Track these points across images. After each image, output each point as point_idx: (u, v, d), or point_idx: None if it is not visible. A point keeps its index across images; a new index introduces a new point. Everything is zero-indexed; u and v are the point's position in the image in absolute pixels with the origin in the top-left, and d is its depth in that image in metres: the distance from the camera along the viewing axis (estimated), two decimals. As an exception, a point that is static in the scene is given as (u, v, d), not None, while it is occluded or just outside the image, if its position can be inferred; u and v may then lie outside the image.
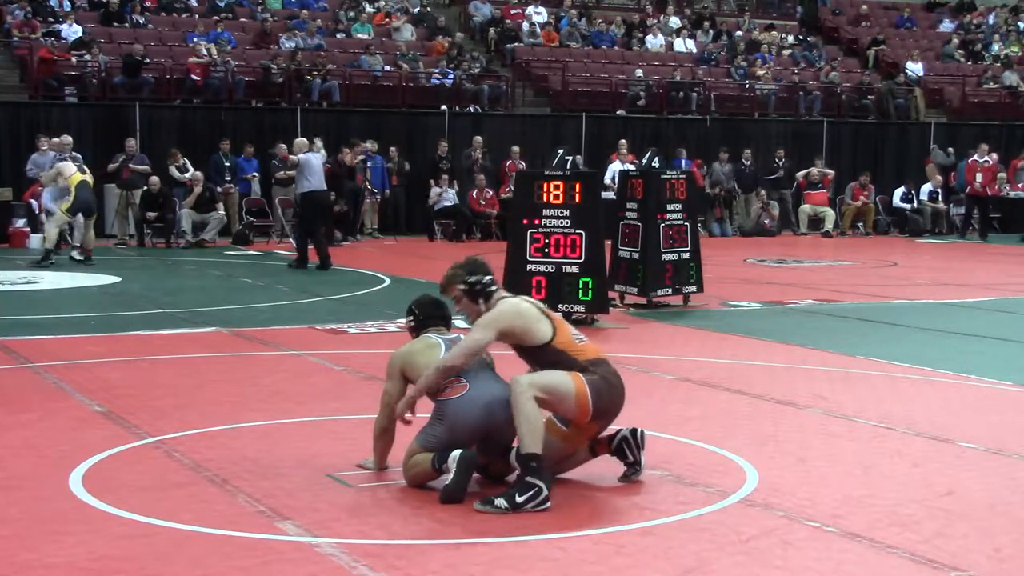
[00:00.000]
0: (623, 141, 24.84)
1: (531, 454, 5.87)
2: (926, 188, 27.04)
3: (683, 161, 25.49)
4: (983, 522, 5.78)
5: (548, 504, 5.82)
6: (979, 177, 25.14)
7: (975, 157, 25.51)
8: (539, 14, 30.20)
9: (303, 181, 17.78)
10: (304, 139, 19.73)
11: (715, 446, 7.19)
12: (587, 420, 6.14)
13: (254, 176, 23.16)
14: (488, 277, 6.37)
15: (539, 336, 6.15)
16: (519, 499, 5.77)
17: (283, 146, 21.67)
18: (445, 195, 23.39)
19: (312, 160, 17.96)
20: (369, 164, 23.32)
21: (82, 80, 23.73)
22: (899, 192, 27.00)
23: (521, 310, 6.22)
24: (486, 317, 6.21)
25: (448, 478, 5.95)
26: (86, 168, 18.23)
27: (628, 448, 6.35)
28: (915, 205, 26.92)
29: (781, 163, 26.54)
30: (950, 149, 27.99)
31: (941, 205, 27.10)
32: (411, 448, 6.25)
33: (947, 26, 35.22)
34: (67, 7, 26.11)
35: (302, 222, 18.44)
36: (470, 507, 5.89)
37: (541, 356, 6.19)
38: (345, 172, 22.07)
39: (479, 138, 24.47)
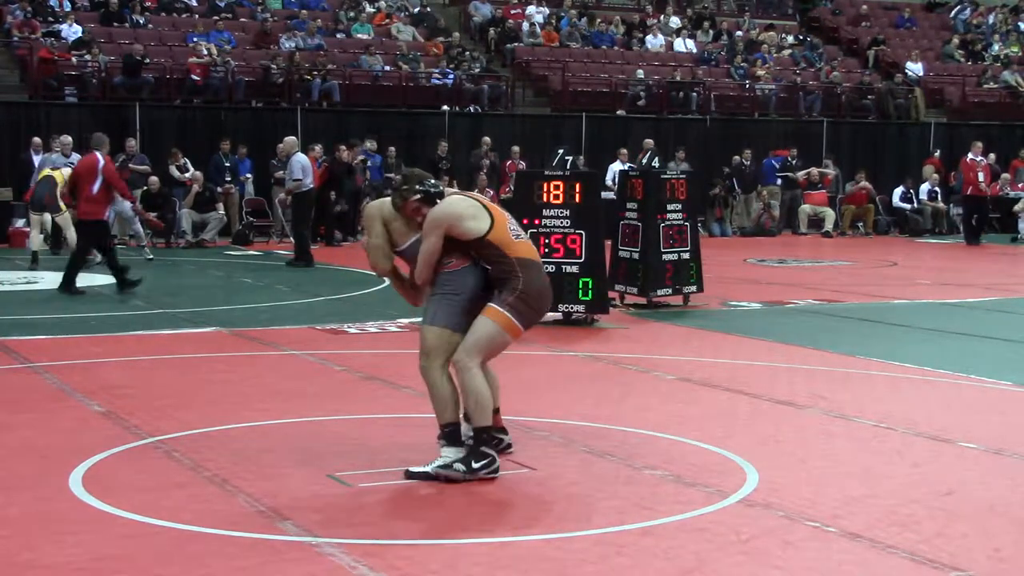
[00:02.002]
0: (649, 140, 24.27)
1: (482, 427, 6.38)
2: (925, 187, 27.01)
3: (773, 161, 25.96)
4: (983, 522, 5.78)
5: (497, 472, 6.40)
6: (981, 176, 24.37)
7: (972, 156, 24.78)
8: (539, 14, 30.21)
9: (306, 180, 18.09)
10: (293, 138, 19.77)
11: (715, 446, 7.19)
12: (522, 332, 6.51)
13: (247, 177, 23.13)
14: (433, 180, 6.56)
15: (473, 231, 6.36)
16: (475, 465, 6.31)
17: (291, 139, 21.60)
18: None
19: (305, 159, 18.25)
20: (368, 163, 23.31)
21: (82, 80, 23.73)
22: (899, 191, 27.02)
23: (455, 208, 6.41)
24: (427, 223, 6.40)
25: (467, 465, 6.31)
26: (61, 165, 17.78)
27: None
28: (915, 205, 26.93)
29: (793, 162, 26.48)
30: (827, 162, 27.36)
31: (940, 204, 27.09)
32: (437, 334, 6.42)
33: (959, 21, 35.11)
34: (67, 7, 26.10)
35: (299, 220, 18.59)
36: (470, 507, 5.90)
37: (477, 248, 6.42)
38: (344, 170, 22.07)
39: (488, 139, 24.48)
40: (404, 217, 6.50)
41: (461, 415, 6.53)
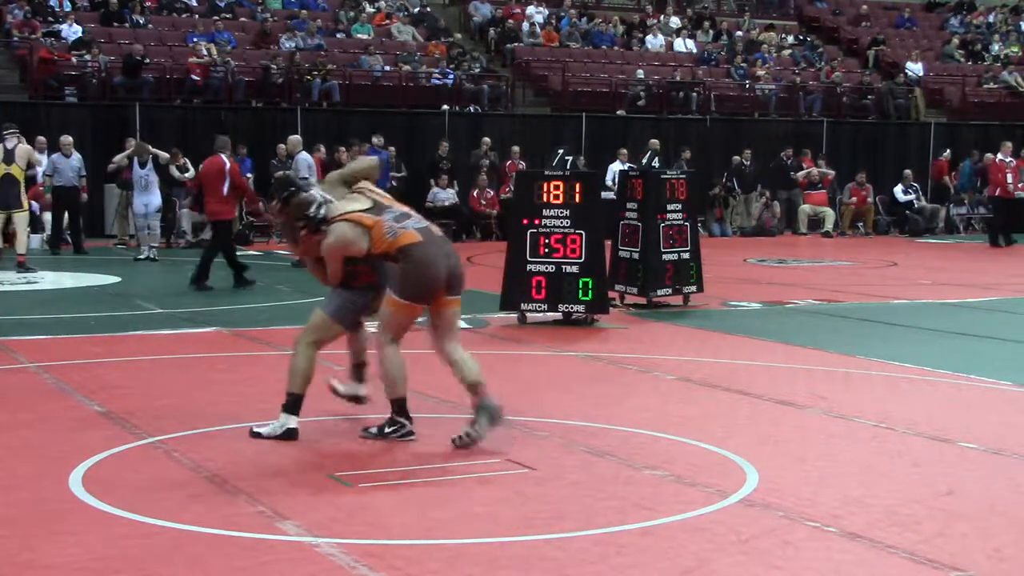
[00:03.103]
0: (654, 141, 23.87)
1: (394, 399, 7.09)
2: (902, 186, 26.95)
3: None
4: (983, 522, 5.78)
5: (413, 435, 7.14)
6: (1010, 177, 23.57)
7: (1000, 156, 24.10)
8: (539, 14, 30.21)
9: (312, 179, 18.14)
10: (297, 136, 19.75)
11: (715, 446, 7.19)
12: (420, 307, 7.06)
13: (247, 177, 23.07)
14: (315, 208, 7.02)
15: (360, 252, 7.04)
16: (387, 430, 7.14)
17: (295, 137, 21.50)
18: (440, 195, 23.34)
19: (310, 158, 18.32)
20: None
21: (82, 80, 23.74)
22: (899, 187, 27.03)
23: (341, 239, 7.01)
24: (325, 251, 7.10)
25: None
26: (14, 157, 17.28)
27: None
28: (915, 203, 26.92)
29: (788, 162, 26.48)
30: (820, 162, 27.15)
31: (925, 202, 27.07)
32: (321, 319, 7.30)
33: (954, 25, 35.14)
34: (67, 7, 26.12)
35: None
36: (470, 507, 5.90)
37: (372, 257, 7.08)
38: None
39: (488, 139, 24.47)
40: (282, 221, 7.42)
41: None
